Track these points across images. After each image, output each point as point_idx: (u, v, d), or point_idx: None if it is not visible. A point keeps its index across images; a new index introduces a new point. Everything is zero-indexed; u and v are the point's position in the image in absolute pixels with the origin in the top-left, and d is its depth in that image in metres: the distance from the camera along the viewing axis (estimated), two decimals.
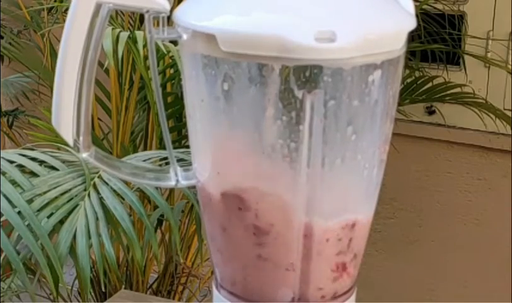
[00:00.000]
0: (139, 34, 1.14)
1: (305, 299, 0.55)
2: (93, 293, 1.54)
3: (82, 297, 1.49)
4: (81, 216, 0.95)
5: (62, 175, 1.01)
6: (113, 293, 1.43)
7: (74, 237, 0.94)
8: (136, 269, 1.51)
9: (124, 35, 1.13)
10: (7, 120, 1.97)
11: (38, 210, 0.93)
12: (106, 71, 1.47)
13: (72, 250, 0.94)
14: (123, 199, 1.00)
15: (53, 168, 1.03)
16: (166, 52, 1.13)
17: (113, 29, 1.13)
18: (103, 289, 1.49)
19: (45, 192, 0.96)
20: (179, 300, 1.61)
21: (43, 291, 1.48)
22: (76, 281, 1.45)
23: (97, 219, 0.95)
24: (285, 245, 0.54)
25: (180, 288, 1.63)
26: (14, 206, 0.90)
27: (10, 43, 1.72)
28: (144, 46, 1.12)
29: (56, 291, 0.92)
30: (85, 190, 0.99)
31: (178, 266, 1.58)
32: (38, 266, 0.96)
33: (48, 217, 0.94)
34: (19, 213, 0.90)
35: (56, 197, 0.96)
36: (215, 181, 0.55)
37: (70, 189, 0.98)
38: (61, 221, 0.95)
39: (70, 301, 1.50)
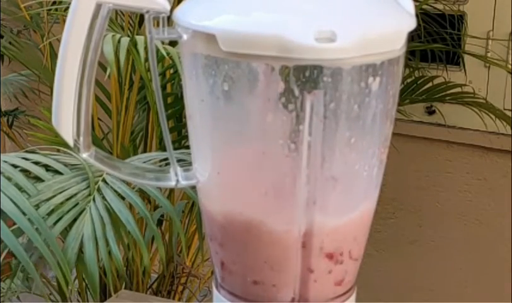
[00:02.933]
0: (139, 39, 1.14)
1: (305, 299, 0.55)
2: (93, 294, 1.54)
3: (82, 297, 1.49)
4: (87, 222, 0.94)
5: (66, 179, 1.00)
6: (113, 293, 1.43)
7: (81, 242, 0.93)
8: (136, 269, 1.51)
9: (125, 41, 1.12)
10: (7, 120, 1.97)
11: (46, 215, 0.93)
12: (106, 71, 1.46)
13: (79, 255, 0.93)
14: (125, 200, 0.99)
15: (56, 171, 1.02)
16: (165, 54, 1.13)
17: (113, 36, 1.13)
18: (112, 292, 1.49)
19: (50, 198, 0.95)
20: (179, 300, 1.61)
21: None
22: (76, 282, 1.45)
23: (103, 223, 0.95)
24: (285, 245, 0.54)
25: (180, 288, 1.63)
26: (22, 212, 0.89)
27: (10, 43, 1.72)
28: (145, 48, 1.11)
29: (66, 292, 0.92)
30: (89, 195, 0.98)
31: (178, 266, 1.58)
32: (38, 267, 0.96)
33: (55, 223, 0.93)
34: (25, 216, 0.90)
35: (62, 203, 0.95)
36: (215, 182, 0.55)
37: (75, 194, 0.97)
38: (67, 228, 0.94)
39: (71, 301, 1.50)
